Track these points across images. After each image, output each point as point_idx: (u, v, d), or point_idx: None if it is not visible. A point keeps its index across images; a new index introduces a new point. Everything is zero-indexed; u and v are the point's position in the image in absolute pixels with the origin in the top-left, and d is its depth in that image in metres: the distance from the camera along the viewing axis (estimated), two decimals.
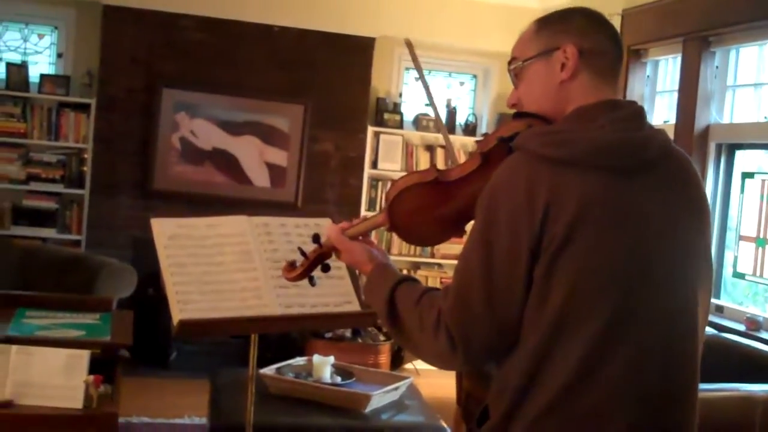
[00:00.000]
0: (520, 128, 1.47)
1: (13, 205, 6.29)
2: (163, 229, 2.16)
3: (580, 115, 1.45)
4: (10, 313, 2.42)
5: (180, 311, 2.06)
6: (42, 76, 6.21)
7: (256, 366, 2.38)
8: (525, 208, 1.35)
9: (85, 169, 6.24)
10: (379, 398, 3.20)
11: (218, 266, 2.14)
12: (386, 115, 6.46)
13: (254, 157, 6.36)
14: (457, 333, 1.38)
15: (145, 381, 5.58)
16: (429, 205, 1.55)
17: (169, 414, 4.97)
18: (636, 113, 1.48)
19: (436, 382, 5.40)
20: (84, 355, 1.99)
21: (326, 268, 1.76)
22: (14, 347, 1.97)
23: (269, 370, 3.30)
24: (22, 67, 6.17)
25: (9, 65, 6.16)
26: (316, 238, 1.72)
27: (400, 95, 6.58)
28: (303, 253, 1.73)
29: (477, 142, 1.56)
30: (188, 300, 2.07)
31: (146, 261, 4.51)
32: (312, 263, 1.71)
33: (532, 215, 1.34)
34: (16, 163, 6.26)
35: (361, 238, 1.64)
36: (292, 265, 1.73)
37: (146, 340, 5.66)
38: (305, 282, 1.76)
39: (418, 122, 6.54)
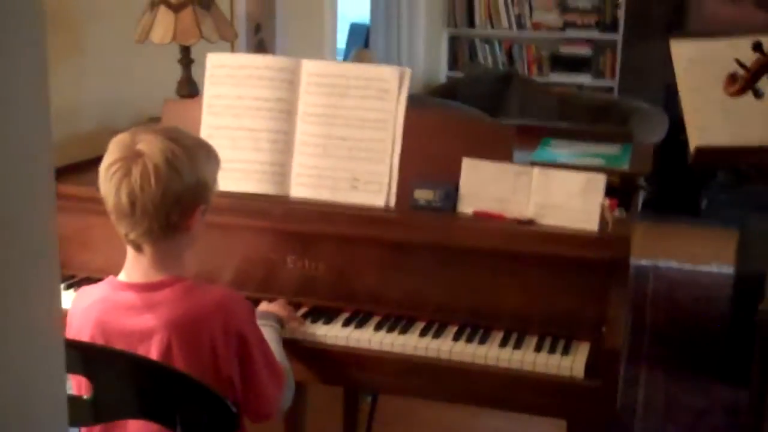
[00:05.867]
0: None
1: (551, 52, 6.53)
2: (683, 51, 2.06)
3: None
4: (535, 143, 2.54)
5: (698, 138, 1.97)
6: None
7: None
8: None
9: (619, 13, 6.20)
10: None
11: None
12: None
13: None
14: None
15: (674, 228, 5.54)
16: None
17: (697, 261, 4.89)
18: None
19: None
20: (601, 179, 2.01)
21: None
22: (535, 169, 2.07)
23: None
24: None
25: None
26: (757, 46, 1.50)
27: None
28: (742, 65, 1.54)
29: None
30: (705, 126, 1.96)
31: (679, 106, 4.39)
32: (754, 74, 1.52)
33: None
34: (554, 10, 6.45)
35: None
36: (732, 78, 1.55)
37: (677, 187, 5.58)
38: None
39: None
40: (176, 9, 2.58)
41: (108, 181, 1.59)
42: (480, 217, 2.08)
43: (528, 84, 5.92)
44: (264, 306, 2.01)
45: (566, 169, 2.11)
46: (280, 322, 1.94)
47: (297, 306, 2.10)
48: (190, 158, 1.61)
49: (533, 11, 6.48)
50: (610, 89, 6.30)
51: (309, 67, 2.20)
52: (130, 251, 1.65)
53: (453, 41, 6.71)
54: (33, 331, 0.96)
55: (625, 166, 2.32)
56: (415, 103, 2.17)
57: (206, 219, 2.12)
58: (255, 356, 1.64)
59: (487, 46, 6.63)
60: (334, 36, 4.74)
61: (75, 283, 2.19)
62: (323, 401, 2.56)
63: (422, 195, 2.13)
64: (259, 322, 1.89)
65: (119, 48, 2.81)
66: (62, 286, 2.14)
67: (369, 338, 1.99)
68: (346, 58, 6.30)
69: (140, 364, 1.49)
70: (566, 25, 6.40)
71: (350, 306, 2.11)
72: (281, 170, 2.19)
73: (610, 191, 2.08)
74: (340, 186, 2.17)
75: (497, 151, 2.12)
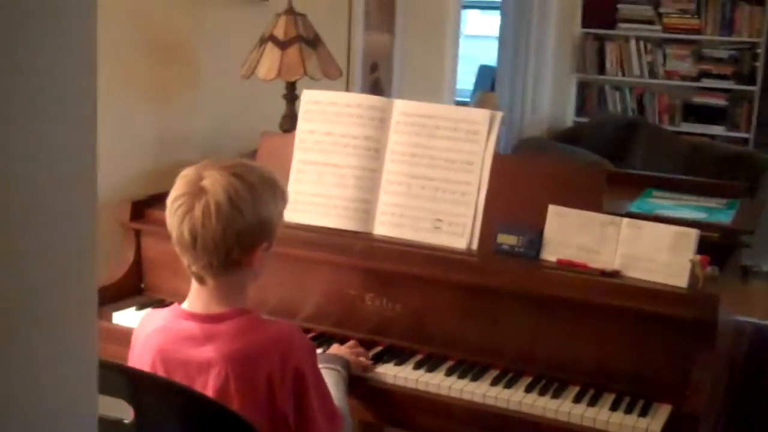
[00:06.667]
0: None
1: (684, 102, 6.32)
2: None
3: None
4: (638, 192, 2.45)
5: None
6: None
7: None
8: None
9: (757, 64, 5.95)
10: None
11: None
12: None
13: None
14: None
15: None
16: None
17: None
18: None
19: None
20: (692, 233, 1.91)
21: None
22: (625, 220, 1.99)
23: None
24: None
25: None
26: None
27: None
28: None
29: None
30: None
31: None
32: None
33: None
34: (688, 59, 6.26)
35: None
36: None
37: None
38: None
39: None
40: (283, 46, 2.65)
41: (172, 215, 1.63)
42: (563, 265, 2.02)
43: (656, 132, 5.74)
44: (334, 349, 2.00)
45: (659, 221, 2.02)
46: (347, 366, 1.92)
47: (371, 345, 2.09)
48: (254, 196, 1.62)
49: (666, 59, 6.30)
50: (745, 141, 6.03)
51: (400, 106, 2.20)
52: (193, 282, 1.68)
53: (582, 87, 6.60)
54: (65, 352, 0.98)
55: (727, 221, 2.20)
56: (530, 146, 2.14)
57: (289, 252, 2.15)
58: (311, 395, 1.63)
59: (617, 93, 6.48)
60: (454, 77, 4.74)
61: (165, 306, 2.26)
62: None
63: (506, 240, 2.08)
64: (324, 365, 1.89)
65: (230, 83, 2.90)
66: (150, 309, 2.20)
67: (438, 383, 1.95)
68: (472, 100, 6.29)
69: (185, 395, 1.51)
70: (701, 75, 6.19)
71: (425, 348, 2.08)
72: (365, 207, 2.19)
73: (706, 248, 1.97)
74: (423, 226, 2.15)
75: (586, 197, 2.05)
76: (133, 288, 2.35)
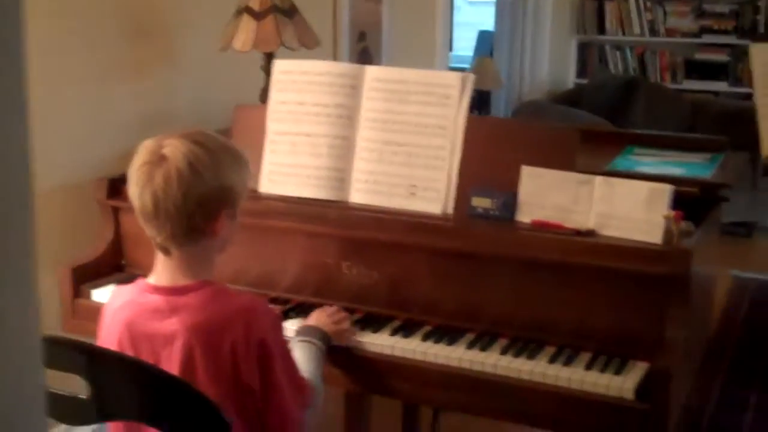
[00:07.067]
0: None
1: (686, 58, 6.25)
2: (763, 55, 1.91)
3: None
4: (619, 151, 2.42)
5: None
6: None
7: None
8: None
9: (759, 18, 5.86)
10: None
11: None
12: None
13: None
14: None
15: None
16: None
17: None
18: None
19: None
20: (665, 189, 1.89)
21: None
22: (598, 178, 1.96)
23: None
24: None
25: None
26: None
27: None
28: None
29: None
30: None
31: None
32: None
33: None
34: (689, 16, 6.17)
35: None
36: None
37: None
38: None
39: None
40: (258, 17, 2.63)
41: (134, 185, 1.62)
42: (538, 226, 2.00)
43: (656, 90, 5.68)
44: (314, 315, 2.00)
45: (637, 178, 2.00)
46: (325, 338, 1.91)
47: (350, 313, 2.08)
48: (214, 161, 1.62)
49: (667, 17, 6.21)
50: (749, 96, 5.95)
51: (372, 72, 2.18)
52: (158, 254, 1.68)
53: (582, 48, 6.53)
54: (5, 327, 0.98)
55: (705, 175, 2.17)
56: (529, 109, 2.11)
57: (266, 223, 2.15)
58: (277, 367, 1.62)
59: (618, 53, 6.41)
60: (447, 43, 4.70)
61: None
62: (383, 415, 2.52)
63: (480, 203, 2.07)
64: (300, 338, 1.89)
65: (209, 57, 2.89)
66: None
67: (414, 348, 1.94)
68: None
69: (138, 367, 1.51)
70: (702, 31, 6.11)
71: (403, 315, 2.07)
72: (340, 175, 2.18)
73: (683, 203, 1.95)
74: (398, 192, 2.14)
75: (559, 157, 2.03)
76: (114, 265, 2.35)
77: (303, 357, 1.84)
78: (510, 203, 2.04)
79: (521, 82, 5.98)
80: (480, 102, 6.57)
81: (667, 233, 1.89)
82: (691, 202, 2.04)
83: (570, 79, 6.49)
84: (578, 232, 1.96)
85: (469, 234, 2.03)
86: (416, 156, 2.13)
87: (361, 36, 3.89)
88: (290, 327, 1.98)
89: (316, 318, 2.00)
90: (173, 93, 2.91)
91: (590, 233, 1.96)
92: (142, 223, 1.65)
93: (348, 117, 2.18)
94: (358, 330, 2.02)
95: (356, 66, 2.20)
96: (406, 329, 2.02)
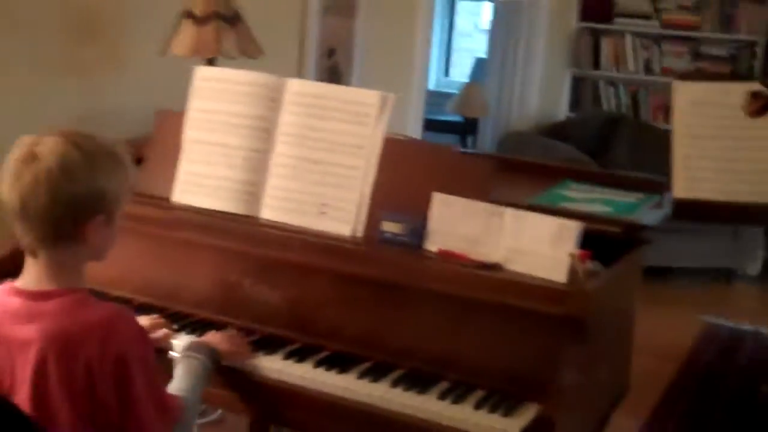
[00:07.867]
0: None
1: None
2: (686, 93, 1.84)
3: None
4: (553, 184, 2.35)
5: (684, 189, 1.75)
6: None
7: None
8: None
9: (755, 63, 5.79)
10: None
11: (743, 141, 1.74)
12: None
13: None
14: None
15: None
16: None
17: None
18: None
19: None
20: (574, 226, 1.81)
21: None
22: (508, 211, 1.89)
23: None
24: None
25: None
26: None
27: None
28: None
29: None
30: (695, 177, 1.73)
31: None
32: None
33: None
34: (686, 56, 6.11)
35: None
36: (755, 96, 1.33)
37: None
38: None
39: None
40: (200, 23, 2.57)
41: (4, 182, 1.56)
42: (443, 256, 1.92)
43: (641, 128, 5.60)
44: (209, 336, 1.92)
45: (554, 214, 1.92)
46: (213, 355, 1.83)
47: (249, 334, 2.00)
48: (89, 165, 1.55)
49: (663, 57, 6.14)
50: None
51: (293, 86, 2.12)
52: (27, 256, 1.61)
53: (577, 82, 6.45)
54: None
55: (629, 216, 2.09)
56: (514, 140, 2.05)
57: (171, 235, 2.08)
58: (136, 383, 1.54)
59: (611, 89, 6.33)
60: (426, 64, 4.63)
61: None
62: None
63: (390, 227, 1.99)
64: (186, 352, 1.81)
65: (157, 60, 2.83)
66: None
67: (302, 374, 1.86)
68: None
69: None
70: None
71: (304, 338, 1.99)
72: (252, 189, 2.11)
73: (597, 242, 1.87)
74: (309, 211, 2.06)
75: (472, 186, 1.95)
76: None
77: (181, 372, 1.76)
78: (419, 230, 1.97)
79: (510, 112, 5.91)
80: (467, 128, 6.51)
81: (572, 272, 1.81)
82: (606, 242, 1.96)
83: (562, 111, 6.42)
84: (483, 265, 1.88)
85: (372, 259, 1.95)
86: (330, 174, 2.05)
87: (331, 52, 3.83)
88: (180, 342, 1.91)
89: (211, 336, 1.93)
90: (120, 95, 2.86)
91: (495, 267, 1.88)
92: (10, 221, 1.58)
93: (265, 130, 2.11)
94: (254, 351, 1.94)
95: (278, 78, 2.14)
96: (301, 353, 1.94)
